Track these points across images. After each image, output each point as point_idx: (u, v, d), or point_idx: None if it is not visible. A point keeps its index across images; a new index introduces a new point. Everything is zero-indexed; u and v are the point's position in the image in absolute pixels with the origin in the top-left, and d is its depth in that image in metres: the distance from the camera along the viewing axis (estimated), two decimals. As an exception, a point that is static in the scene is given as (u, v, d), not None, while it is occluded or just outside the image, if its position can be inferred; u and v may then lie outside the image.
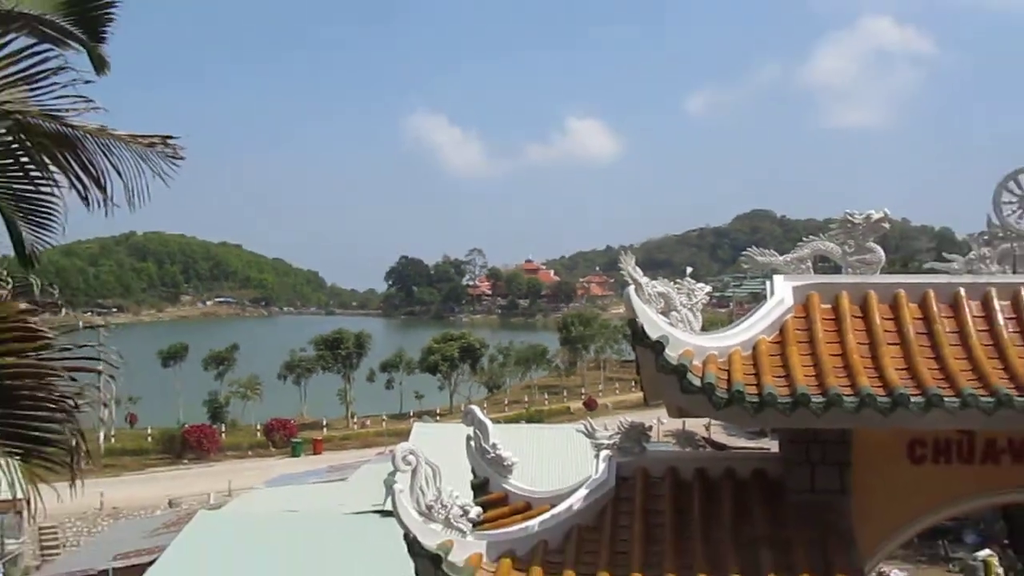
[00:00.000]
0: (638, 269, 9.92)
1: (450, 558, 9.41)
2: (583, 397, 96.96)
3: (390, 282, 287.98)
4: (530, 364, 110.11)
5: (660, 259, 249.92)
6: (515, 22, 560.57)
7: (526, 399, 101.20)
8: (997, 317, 10.63)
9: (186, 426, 75.08)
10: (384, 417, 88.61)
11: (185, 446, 72.09)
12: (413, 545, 9.42)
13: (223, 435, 76.96)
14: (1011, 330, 10.53)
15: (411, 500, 9.59)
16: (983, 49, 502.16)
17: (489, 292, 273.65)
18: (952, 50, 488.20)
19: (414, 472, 9.66)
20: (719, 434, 60.69)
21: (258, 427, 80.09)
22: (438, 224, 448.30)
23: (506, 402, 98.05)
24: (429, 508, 9.63)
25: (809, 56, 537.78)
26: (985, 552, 52.25)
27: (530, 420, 73.93)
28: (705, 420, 48.43)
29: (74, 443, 6.69)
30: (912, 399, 9.32)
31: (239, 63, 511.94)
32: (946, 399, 9.30)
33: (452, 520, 9.63)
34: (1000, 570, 51.28)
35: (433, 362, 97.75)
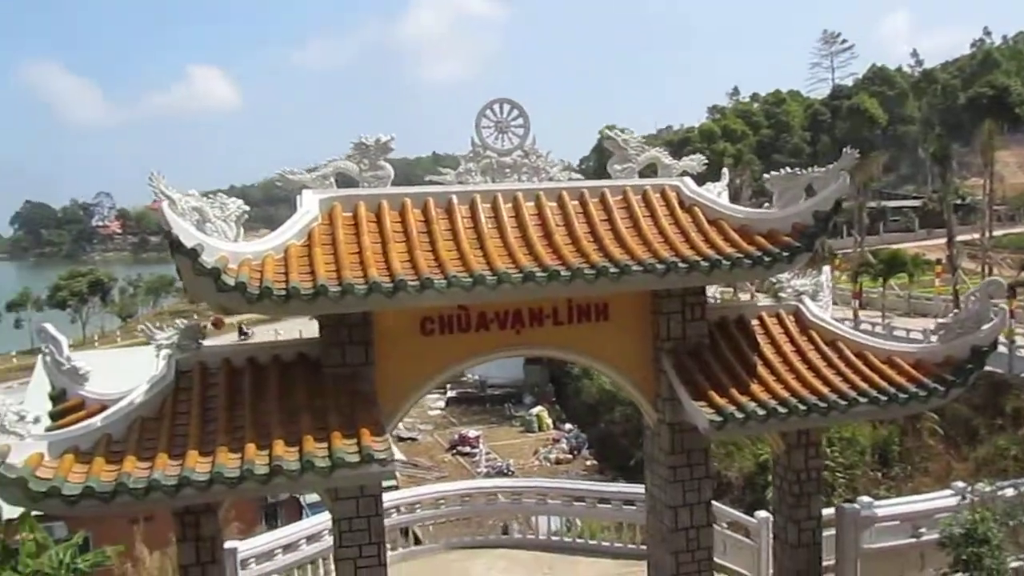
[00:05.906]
0: (170, 187, 9.50)
1: (8, 460, 8.63)
2: (211, 318, 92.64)
3: (16, 226, 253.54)
4: (160, 293, 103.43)
5: (280, 196, 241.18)
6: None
7: (158, 325, 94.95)
8: (480, 217, 11.42)
9: None
10: (14, 354, 79.19)
11: None
12: (-36, 456, 8.53)
13: None
14: (490, 226, 11.37)
15: (-41, 418, 8.63)
16: (545, 16, 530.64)
17: (120, 231, 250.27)
18: (520, 17, 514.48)
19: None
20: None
21: None
22: (63, 170, 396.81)
23: (139, 329, 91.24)
24: (-21, 421, 8.74)
25: (406, 16, 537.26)
26: (538, 408, 58.86)
27: (163, 344, 69.47)
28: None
29: None
30: (409, 283, 9.96)
31: None
32: (435, 281, 10.02)
33: (8, 426, 8.78)
34: (549, 420, 58.13)
35: (62, 298, 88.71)
